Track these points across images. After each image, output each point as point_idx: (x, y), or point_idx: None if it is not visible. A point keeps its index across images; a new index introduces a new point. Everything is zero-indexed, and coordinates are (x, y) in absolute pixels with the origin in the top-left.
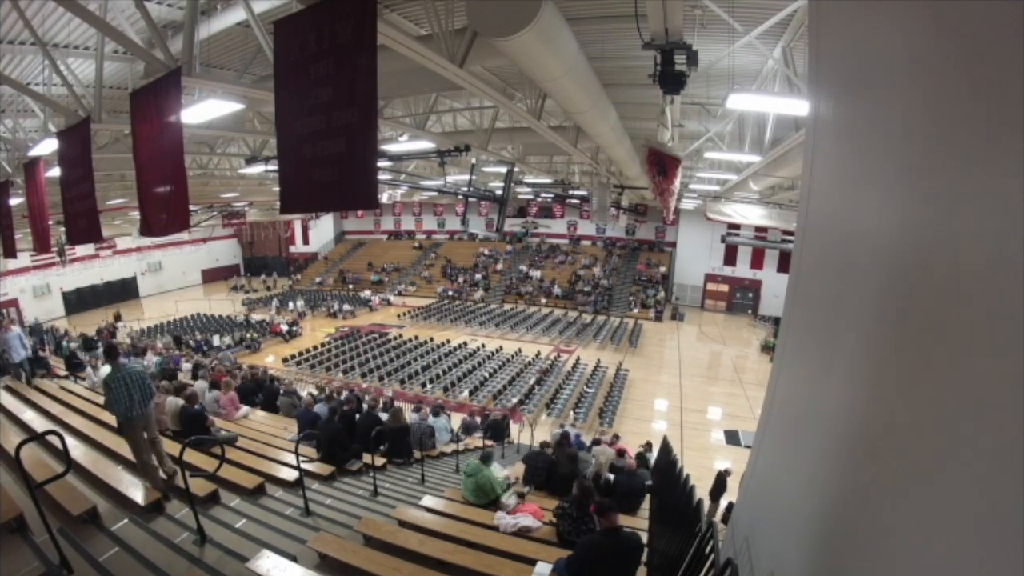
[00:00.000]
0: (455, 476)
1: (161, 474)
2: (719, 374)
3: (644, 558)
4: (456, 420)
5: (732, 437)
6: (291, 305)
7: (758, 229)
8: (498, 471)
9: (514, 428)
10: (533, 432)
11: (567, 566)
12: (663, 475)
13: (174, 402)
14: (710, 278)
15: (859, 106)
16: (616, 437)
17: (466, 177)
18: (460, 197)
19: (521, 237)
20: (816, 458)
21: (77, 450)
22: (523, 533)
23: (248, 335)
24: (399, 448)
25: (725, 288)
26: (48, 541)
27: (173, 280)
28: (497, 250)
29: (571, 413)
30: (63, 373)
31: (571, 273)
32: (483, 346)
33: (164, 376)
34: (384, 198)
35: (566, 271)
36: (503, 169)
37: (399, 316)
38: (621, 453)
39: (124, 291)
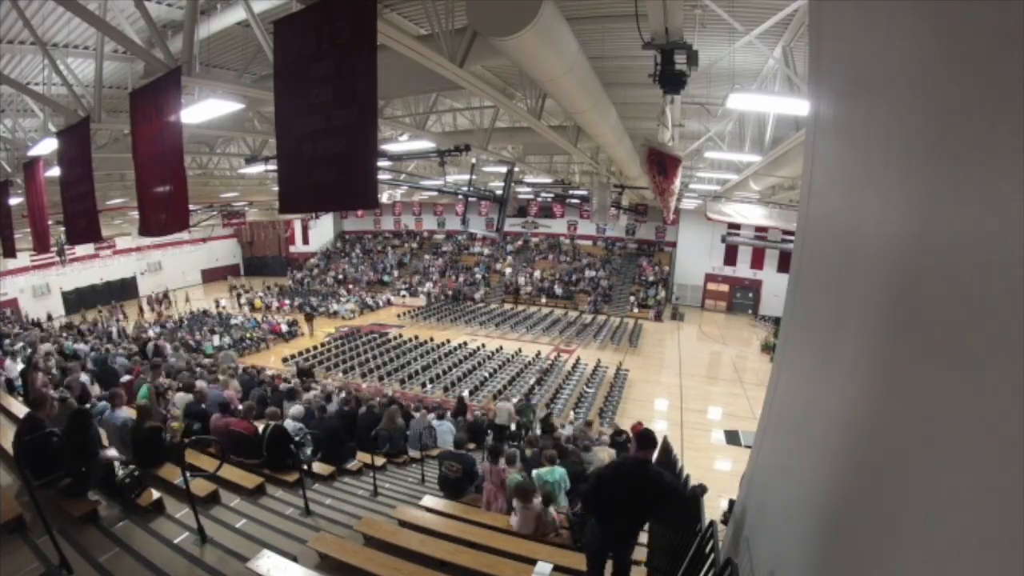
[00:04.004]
0: None
1: None
2: (719, 374)
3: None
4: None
5: (732, 437)
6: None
7: (758, 229)
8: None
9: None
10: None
11: (586, 492)
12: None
13: (183, 397)
14: (710, 278)
15: (859, 106)
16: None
17: (466, 177)
18: (460, 197)
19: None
20: (816, 458)
21: None
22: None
23: (248, 335)
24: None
25: (725, 288)
26: (48, 541)
27: (173, 280)
28: (496, 250)
29: (571, 413)
30: None
31: (567, 271)
32: (483, 346)
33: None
34: (384, 198)
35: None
36: (503, 169)
37: (399, 316)
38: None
39: (124, 291)
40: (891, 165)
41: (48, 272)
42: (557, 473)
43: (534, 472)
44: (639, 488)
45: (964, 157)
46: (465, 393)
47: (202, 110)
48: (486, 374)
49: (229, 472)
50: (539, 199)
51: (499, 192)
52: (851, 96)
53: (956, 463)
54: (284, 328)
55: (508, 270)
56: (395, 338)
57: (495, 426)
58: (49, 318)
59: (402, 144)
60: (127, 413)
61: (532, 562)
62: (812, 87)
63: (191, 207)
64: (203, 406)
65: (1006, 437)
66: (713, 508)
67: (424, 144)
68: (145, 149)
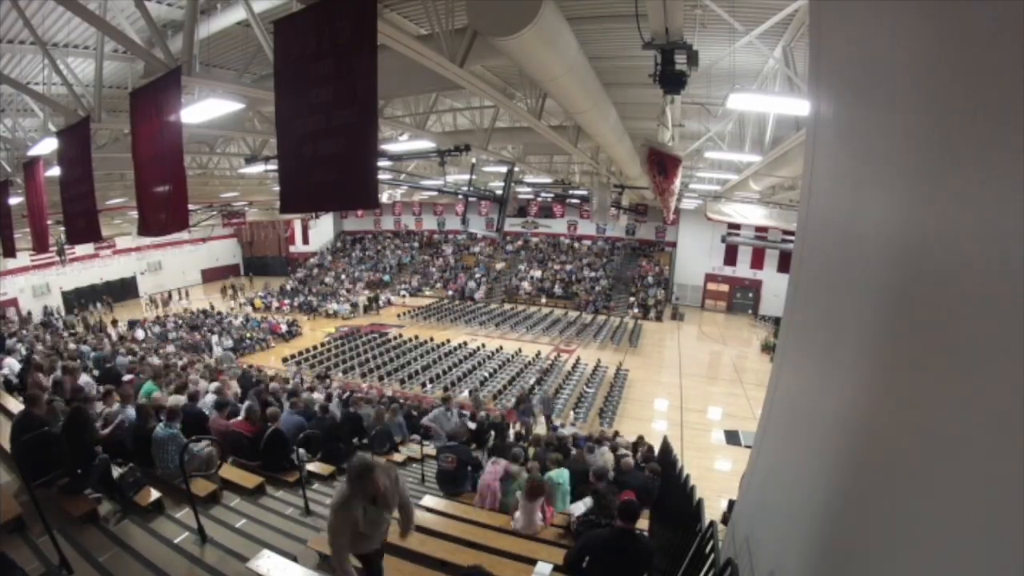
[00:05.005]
0: None
1: None
2: (719, 374)
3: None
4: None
5: (732, 437)
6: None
7: (758, 229)
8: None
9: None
10: (533, 432)
11: (573, 558)
12: (663, 475)
13: (176, 400)
14: (710, 278)
15: (860, 106)
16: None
17: (466, 177)
18: (460, 197)
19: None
20: (816, 458)
21: None
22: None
23: (248, 335)
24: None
25: (725, 288)
26: (48, 541)
27: (173, 280)
28: (496, 250)
29: (571, 413)
30: None
31: (567, 272)
32: (483, 346)
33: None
34: (384, 198)
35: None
36: (503, 169)
37: (399, 316)
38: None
39: (124, 290)
40: (891, 165)
41: (48, 272)
42: (564, 475)
43: (545, 474)
44: (627, 557)
45: (965, 157)
46: (465, 394)
47: (202, 110)
48: (486, 374)
49: (229, 472)
50: (539, 199)
51: (499, 192)
52: (852, 96)
53: (955, 463)
54: (284, 328)
55: (522, 266)
56: (395, 338)
57: (495, 426)
58: (47, 312)
59: (402, 144)
60: (132, 412)
61: (532, 562)
62: (812, 87)
63: (191, 207)
64: (197, 406)
65: (1006, 437)
66: (713, 508)
67: (424, 144)
68: (145, 149)
